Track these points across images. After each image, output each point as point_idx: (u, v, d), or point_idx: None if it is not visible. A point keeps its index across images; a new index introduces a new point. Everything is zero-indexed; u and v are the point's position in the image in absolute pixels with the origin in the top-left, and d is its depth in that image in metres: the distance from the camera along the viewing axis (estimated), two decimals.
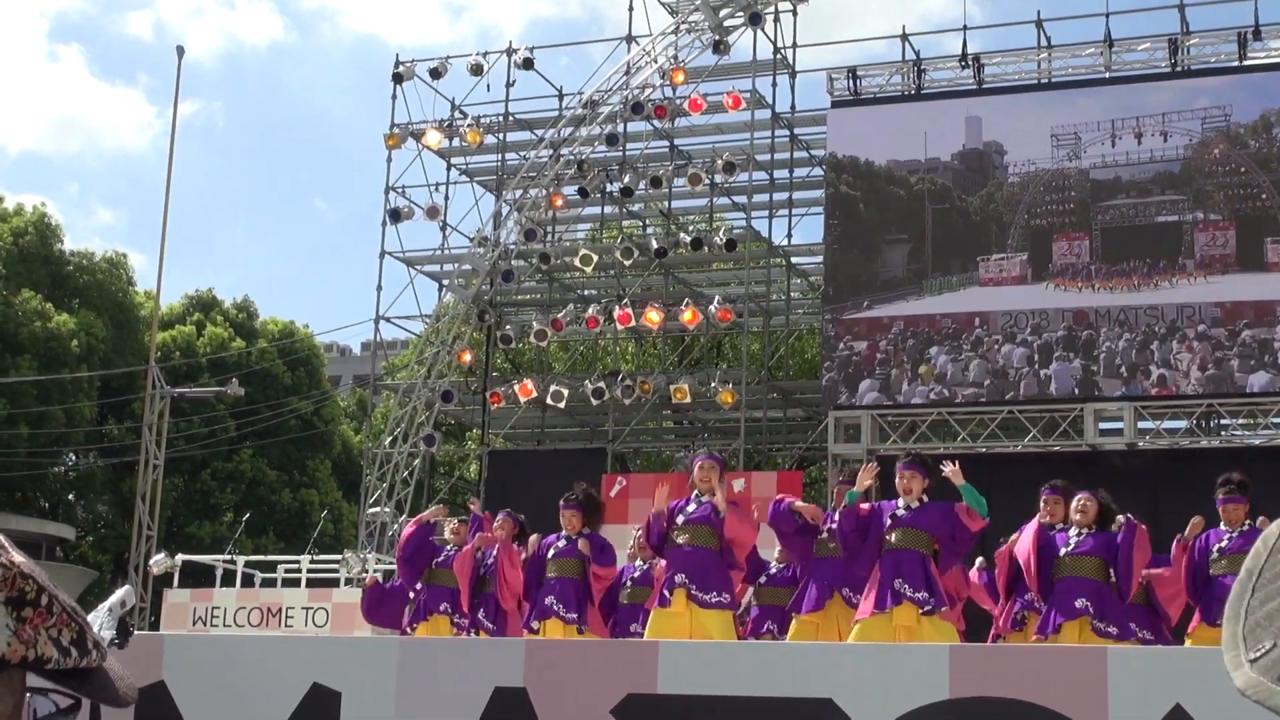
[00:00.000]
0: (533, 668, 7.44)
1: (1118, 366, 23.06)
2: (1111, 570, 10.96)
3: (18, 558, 1.72)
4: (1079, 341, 23.37)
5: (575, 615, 12.15)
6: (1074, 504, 11.32)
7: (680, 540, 11.07)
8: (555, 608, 12.15)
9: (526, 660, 7.51)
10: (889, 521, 10.59)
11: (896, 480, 10.85)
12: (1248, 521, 11.38)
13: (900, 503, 10.70)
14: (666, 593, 10.97)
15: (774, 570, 12.84)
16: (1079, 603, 10.81)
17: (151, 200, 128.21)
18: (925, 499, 10.72)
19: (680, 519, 11.15)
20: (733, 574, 11.29)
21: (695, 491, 11.34)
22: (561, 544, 12.54)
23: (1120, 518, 11.08)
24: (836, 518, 10.86)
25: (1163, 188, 23.87)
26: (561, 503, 12.78)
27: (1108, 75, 24.67)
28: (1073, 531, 11.20)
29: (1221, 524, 11.50)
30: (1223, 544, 11.32)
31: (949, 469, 10.78)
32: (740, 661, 7.48)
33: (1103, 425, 23.41)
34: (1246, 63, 23.84)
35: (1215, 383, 22.57)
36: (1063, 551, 11.06)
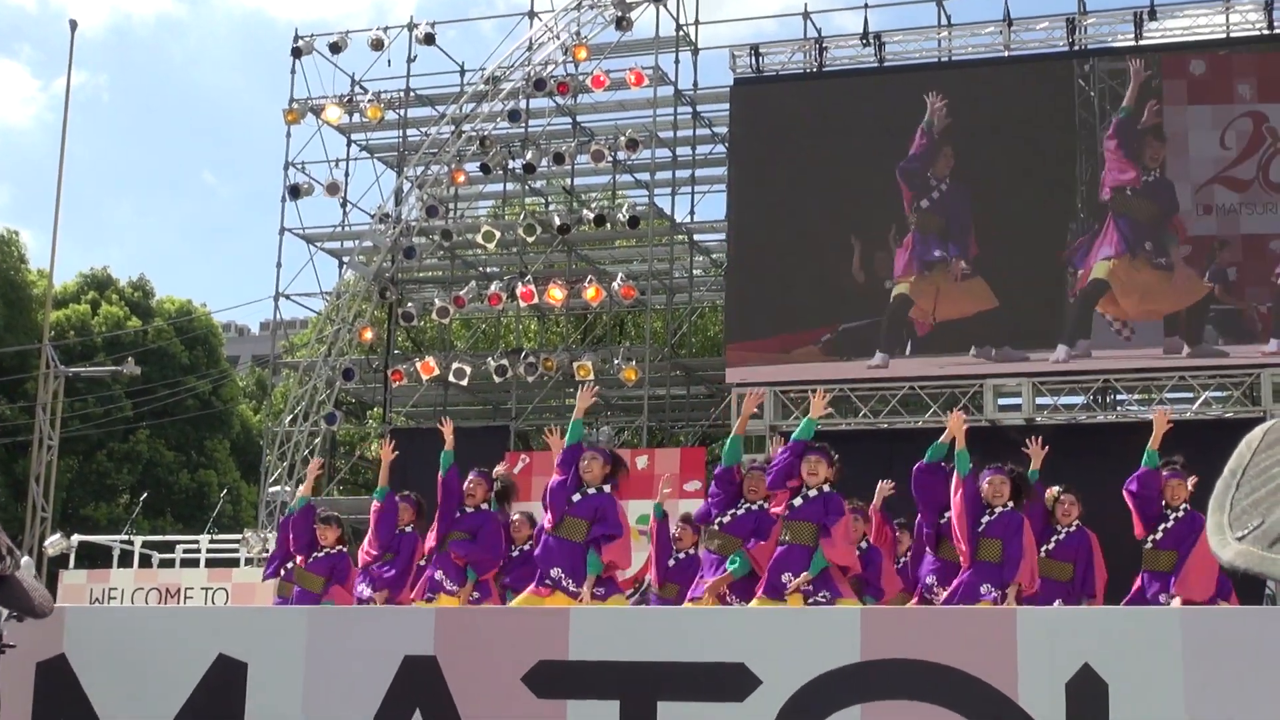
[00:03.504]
0: (443, 636, 7.37)
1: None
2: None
3: None
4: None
5: (456, 588, 12.02)
6: (985, 484, 11.09)
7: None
8: (443, 583, 12.01)
9: (437, 628, 7.44)
10: (786, 513, 10.47)
11: (802, 466, 10.52)
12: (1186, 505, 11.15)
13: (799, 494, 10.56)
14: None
15: (673, 562, 12.34)
16: (983, 588, 10.75)
17: (35, 175, 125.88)
18: (825, 488, 10.57)
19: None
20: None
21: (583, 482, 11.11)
22: (457, 515, 12.32)
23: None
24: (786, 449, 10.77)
25: None
26: (474, 473, 12.53)
27: (1007, 55, 24.91)
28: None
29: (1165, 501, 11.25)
30: (1167, 525, 11.15)
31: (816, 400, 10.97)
32: (652, 627, 7.46)
33: (1002, 401, 23.69)
34: (1143, 43, 24.16)
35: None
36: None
